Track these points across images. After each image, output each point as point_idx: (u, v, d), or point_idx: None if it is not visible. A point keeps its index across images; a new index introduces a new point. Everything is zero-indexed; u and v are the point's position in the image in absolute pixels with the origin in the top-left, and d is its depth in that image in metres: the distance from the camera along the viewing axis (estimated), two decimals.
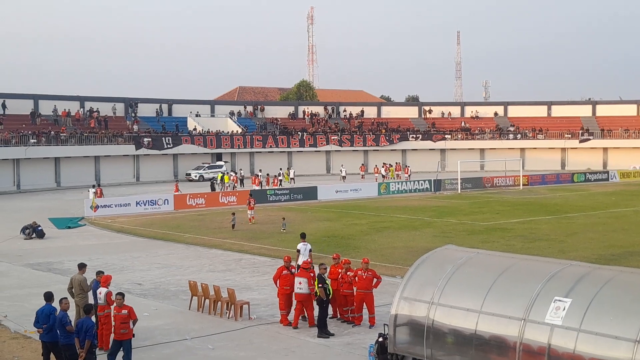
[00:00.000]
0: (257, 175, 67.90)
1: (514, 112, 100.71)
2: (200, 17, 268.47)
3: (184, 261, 30.79)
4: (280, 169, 73.69)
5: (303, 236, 26.56)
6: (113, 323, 16.75)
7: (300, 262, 24.39)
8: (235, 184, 67.76)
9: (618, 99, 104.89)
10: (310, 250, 25.77)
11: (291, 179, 72.84)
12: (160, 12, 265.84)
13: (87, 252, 32.83)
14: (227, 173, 72.43)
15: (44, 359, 16.17)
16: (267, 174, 69.69)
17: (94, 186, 56.68)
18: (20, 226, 38.84)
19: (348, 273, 20.20)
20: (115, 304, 16.61)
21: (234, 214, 42.09)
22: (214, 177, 70.73)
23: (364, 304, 20.01)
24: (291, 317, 20.11)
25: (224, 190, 62.64)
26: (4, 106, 75.45)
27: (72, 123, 77.38)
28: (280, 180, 69.44)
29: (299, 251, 25.60)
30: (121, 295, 16.74)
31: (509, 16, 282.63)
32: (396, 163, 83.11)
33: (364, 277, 19.90)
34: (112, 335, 16.75)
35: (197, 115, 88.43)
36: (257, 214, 44.00)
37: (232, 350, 17.93)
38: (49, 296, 16.46)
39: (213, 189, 64.44)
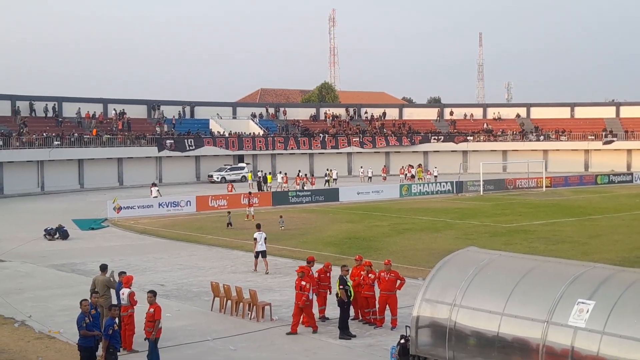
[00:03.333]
0: (298, 175, 69.39)
1: (537, 113, 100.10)
2: (222, 21, 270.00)
3: (206, 262, 30.93)
4: (327, 169, 74.58)
5: (258, 226, 30.04)
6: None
7: (257, 249, 28.35)
8: (285, 184, 68.49)
9: None
10: (265, 239, 28.71)
11: (334, 179, 73.72)
12: (182, 16, 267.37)
13: (110, 253, 33.05)
14: (270, 173, 74.44)
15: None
16: (305, 174, 70.92)
17: (155, 184, 57.54)
18: (44, 228, 39.27)
19: (370, 275, 20.17)
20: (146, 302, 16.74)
21: (229, 212, 43.40)
22: (260, 177, 71.45)
23: (387, 305, 20.00)
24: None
25: (269, 190, 63.73)
26: (31, 106, 76.55)
27: (96, 125, 77.78)
28: (327, 181, 70.71)
29: (255, 239, 28.45)
30: (152, 293, 16.88)
31: (532, 17, 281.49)
32: (418, 165, 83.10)
33: (387, 278, 19.90)
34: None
35: (219, 117, 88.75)
36: (278, 214, 44.11)
37: (253, 352, 17.97)
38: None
39: (260, 188, 65.68)
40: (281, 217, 41.40)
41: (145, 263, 30.67)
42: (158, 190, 54.67)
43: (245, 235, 38.29)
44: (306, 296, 19.35)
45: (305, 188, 64.14)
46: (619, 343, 12.92)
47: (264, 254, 28.51)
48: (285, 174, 71.06)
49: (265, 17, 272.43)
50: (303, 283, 19.32)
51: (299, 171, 72.79)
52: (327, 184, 71.09)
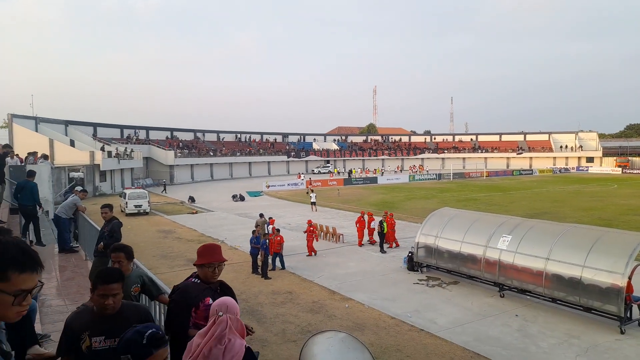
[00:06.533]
0: (367, 170, 68.59)
1: (481, 138, 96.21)
2: (320, 94, 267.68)
3: (310, 213, 30.84)
4: (377, 168, 74.06)
5: (312, 190, 33.55)
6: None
7: (312, 201, 29.98)
8: (361, 174, 67.33)
9: (537, 131, 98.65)
10: (315, 196, 31.49)
11: (381, 172, 72.19)
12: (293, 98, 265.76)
13: (264, 209, 33.32)
14: (354, 169, 73.09)
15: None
16: (368, 170, 70.83)
17: (301, 173, 58.89)
18: (231, 195, 40.20)
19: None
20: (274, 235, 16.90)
21: (309, 190, 43.50)
22: (349, 171, 70.33)
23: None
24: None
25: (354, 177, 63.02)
26: (237, 135, 78.31)
27: (257, 145, 79.28)
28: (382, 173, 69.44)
29: (310, 197, 30.89)
30: (277, 230, 17.02)
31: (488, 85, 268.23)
32: (419, 165, 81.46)
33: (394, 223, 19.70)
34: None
35: (316, 142, 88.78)
36: (347, 190, 43.89)
37: (334, 258, 17.98)
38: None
39: (350, 177, 63.40)
40: (339, 190, 41.51)
41: (281, 213, 30.85)
42: (303, 176, 55.41)
43: (322, 199, 38.43)
44: (315, 236, 18.72)
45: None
46: (524, 258, 12.52)
47: (314, 204, 31.17)
48: (361, 169, 70.48)
49: (341, 94, 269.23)
50: (311, 228, 18.52)
51: (360, 168, 71.89)
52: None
